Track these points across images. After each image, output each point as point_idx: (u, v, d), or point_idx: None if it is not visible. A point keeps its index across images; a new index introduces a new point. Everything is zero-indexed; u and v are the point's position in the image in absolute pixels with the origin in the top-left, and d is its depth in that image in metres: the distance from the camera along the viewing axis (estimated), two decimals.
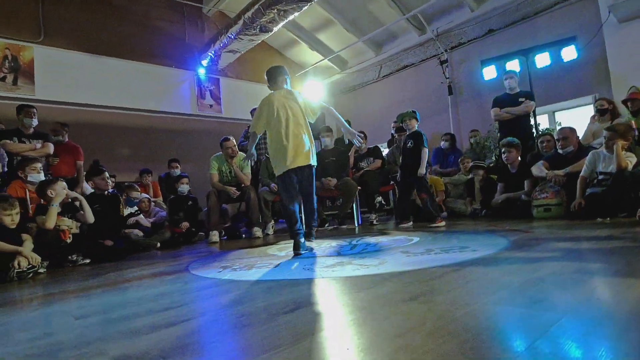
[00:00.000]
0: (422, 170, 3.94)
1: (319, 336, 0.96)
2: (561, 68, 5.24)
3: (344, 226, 4.61)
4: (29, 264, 2.59)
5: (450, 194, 4.92)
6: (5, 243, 2.60)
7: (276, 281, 1.72)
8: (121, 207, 3.62)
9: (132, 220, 4.00)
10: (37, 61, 5.63)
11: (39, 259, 2.68)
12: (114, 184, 5.27)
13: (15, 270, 2.49)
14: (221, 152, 4.53)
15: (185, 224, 4.36)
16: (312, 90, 8.92)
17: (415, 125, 4.14)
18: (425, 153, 4.00)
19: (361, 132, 5.41)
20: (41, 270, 2.71)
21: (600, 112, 4.13)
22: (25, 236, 2.79)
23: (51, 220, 2.99)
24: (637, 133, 3.42)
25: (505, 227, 3.05)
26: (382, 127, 7.64)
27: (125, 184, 4.54)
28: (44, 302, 1.79)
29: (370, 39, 7.66)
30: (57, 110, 5.61)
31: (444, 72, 6.98)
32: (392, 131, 6.01)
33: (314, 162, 2.61)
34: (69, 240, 3.11)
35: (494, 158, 5.48)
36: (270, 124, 2.61)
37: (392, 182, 5.43)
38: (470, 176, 4.76)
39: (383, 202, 5.49)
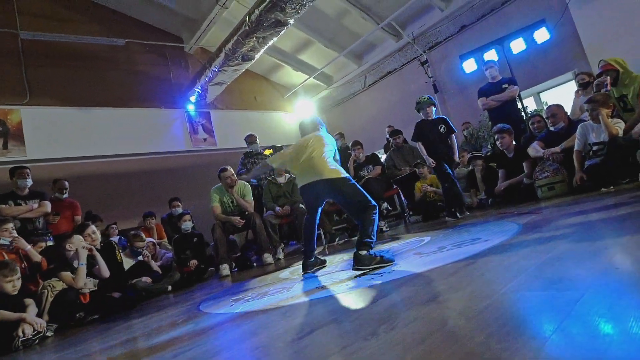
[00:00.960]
0: (457, 156, 4.01)
1: (340, 355, 0.92)
2: (537, 50, 5.30)
3: (354, 238, 4.56)
4: (34, 330, 2.49)
5: None
6: (7, 311, 2.50)
7: (290, 306, 1.68)
8: (117, 253, 3.53)
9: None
10: (26, 122, 5.68)
11: (44, 323, 2.59)
12: (117, 232, 5.27)
13: (20, 339, 2.39)
14: (220, 184, 4.53)
15: (193, 262, 4.31)
16: (303, 109, 9.03)
17: (433, 111, 4.07)
18: (454, 139, 4.08)
19: (357, 142, 5.44)
20: (48, 334, 2.62)
21: (582, 86, 4.16)
22: (28, 301, 2.71)
23: (81, 279, 2.95)
24: (608, 89, 3.43)
25: (514, 212, 3.02)
26: (375, 134, 7.68)
27: (132, 232, 4.51)
28: None
29: (351, 52, 7.78)
30: (51, 168, 5.63)
31: (426, 72, 7.06)
32: (387, 135, 6.03)
33: (329, 176, 2.49)
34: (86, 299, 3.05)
35: (490, 147, 5.48)
36: (292, 160, 2.72)
37: (395, 187, 5.41)
38: (470, 168, 4.75)
39: (389, 207, 5.45)
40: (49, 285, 2.88)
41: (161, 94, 7.22)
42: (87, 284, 3.08)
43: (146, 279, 3.84)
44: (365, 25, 7.03)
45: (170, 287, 4.01)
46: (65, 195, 4.42)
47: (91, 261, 3.20)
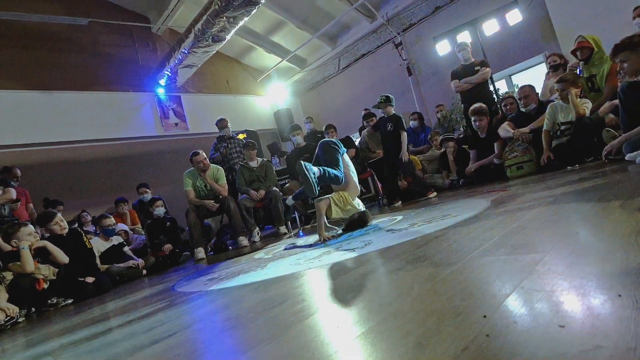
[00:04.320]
0: (405, 155, 4.12)
1: (309, 321, 0.92)
2: (509, 32, 5.39)
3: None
4: (7, 315, 2.44)
5: (427, 170, 4.98)
6: None
7: (263, 281, 1.67)
8: (85, 239, 3.40)
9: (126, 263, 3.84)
10: None
11: (16, 309, 2.53)
12: (90, 219, 5.07)
13: None
14: (193, 168, 4.42)
15: (167, 247, 4.23)
16: (276, 93, 8.89)
17: (392, 110, 4.29)
18: (405, 137, 4.16)
19: (330, 125, 5.41)
20: (20, 320, 2.56)
21: (553, 68, 4.26)
22: None
23: (28, 263, 2.82)
24: (582, 74, 3.55)
25: (483, 191, 3.11)
26: (350, 117, 7.68)
27: (95, 217, 4.36)
28: (23, 348, 1.68)
29: (324, 34, 7.67)
30: (14, 154, 5.35)
31: (400, 55, 7.07)
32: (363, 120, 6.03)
33: None
34: (45, 286, 2.94)
35: (462, 129, 5.58)
36: None
37: (369, 169, 5.45)
38: (442, 150, 4.83)
39: (363, 189, 5.49)
40: (0, 276, 2.76)
41: (129, 77, 6.91)
42: (41, 270, 2.95)
43: (130, 263, 3.76)
44: (339, 6, 6.93)
45: (145, 272, 3.92)
46: (17, 183, 4.24)
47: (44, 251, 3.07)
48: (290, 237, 3.88)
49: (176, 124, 7.26)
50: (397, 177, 4.39)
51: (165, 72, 6.77)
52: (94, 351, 1.20)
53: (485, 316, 0.68)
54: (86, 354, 1.19)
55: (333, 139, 2.95)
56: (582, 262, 0.87)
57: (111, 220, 4.01)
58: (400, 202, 4.21)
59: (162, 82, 6.98)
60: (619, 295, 0.64)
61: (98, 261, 3.61)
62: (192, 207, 4.22)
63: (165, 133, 7.08)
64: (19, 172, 4.47)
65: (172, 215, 4.85)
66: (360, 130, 6.59)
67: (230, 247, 4.52)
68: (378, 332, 0.73)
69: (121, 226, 4.53)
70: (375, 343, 0.69)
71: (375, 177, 5.42)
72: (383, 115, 4.42)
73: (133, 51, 7.14)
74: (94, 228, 4.73)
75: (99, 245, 3.79)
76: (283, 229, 4.53)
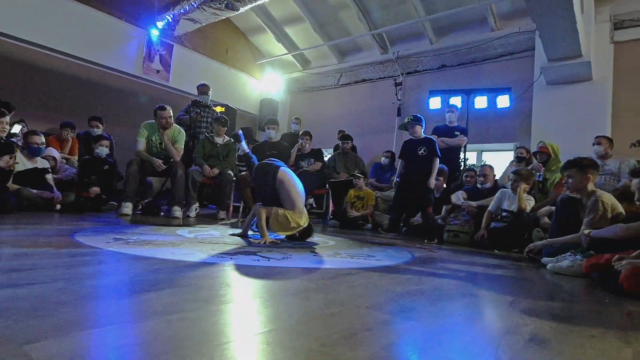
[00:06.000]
0: (432, 181, 3.80)
1: (167, 318, 0.87)
2: (494, 113, 5.70)
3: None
4: None
5: (379, 208, 5.08)
6: None
7: (162, 260, 1.60)
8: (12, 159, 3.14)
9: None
10: None
11: None
12: (25, 131, 4.68)
13: None
14: (154, 121, 4.23)
15: (95, 189, 3.96)
16: (270, 82, 8.79)
17: (421, 132, 3.97)
18: (437, 164, 3.85)
19: (307, 132, 5.41)
20: None
21: (518, 159, 4.55)
22: None
23: None
24: (540, 179, 3.82)
25: (416, 245, 3.21)
26: (330, 132, 7.70)
27: (27, 130, 4.02)
28: None
29: (336, 46, 7.74)
30: None
31: (396, 94, 7.25)
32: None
33: None
34: None
35: None
36: None
37: (327, 187, 5.49)
38: None
39: (314, 204, 5.52)
40: None
41: (127, 5, 6.53)
42: None
43: (45, 194, 3.48)
44: (358, 26, 7.03)
45: (59, 207, 3.66)
46: None
47: None
48: (226, 224, 3.79)
49: (158, 71, 6.95)
50: (409, 207, 4.01)
51: (167, 16, 6.50)
52: None
53: None
54: None
55: (266, 161, 2.92)
56: (444, 345, 0.90)
57: (40, 138, 3.66)
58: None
59: (160, 24, 6.68)
60: None
61: (10, 180, 3.32)
62: (137, 160, 4.03)
63: (142, 75, 6.74)
64: None
65: (115, 159, 4.59)
66: (335, 148, 6.63)
67: (162, 214, 4.34)
68: (233, 353, 0.71)
69: (51, 151, 4.18)
70: None
71: (331, 197, 5.48)
72: (410, 137, 4.01)
73: None
74: (22, 142, 4.37)
75: (22, 162, 3.48)
76: (222, 214, 4.42)
